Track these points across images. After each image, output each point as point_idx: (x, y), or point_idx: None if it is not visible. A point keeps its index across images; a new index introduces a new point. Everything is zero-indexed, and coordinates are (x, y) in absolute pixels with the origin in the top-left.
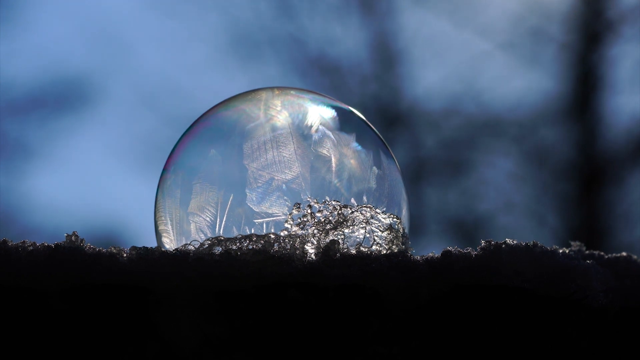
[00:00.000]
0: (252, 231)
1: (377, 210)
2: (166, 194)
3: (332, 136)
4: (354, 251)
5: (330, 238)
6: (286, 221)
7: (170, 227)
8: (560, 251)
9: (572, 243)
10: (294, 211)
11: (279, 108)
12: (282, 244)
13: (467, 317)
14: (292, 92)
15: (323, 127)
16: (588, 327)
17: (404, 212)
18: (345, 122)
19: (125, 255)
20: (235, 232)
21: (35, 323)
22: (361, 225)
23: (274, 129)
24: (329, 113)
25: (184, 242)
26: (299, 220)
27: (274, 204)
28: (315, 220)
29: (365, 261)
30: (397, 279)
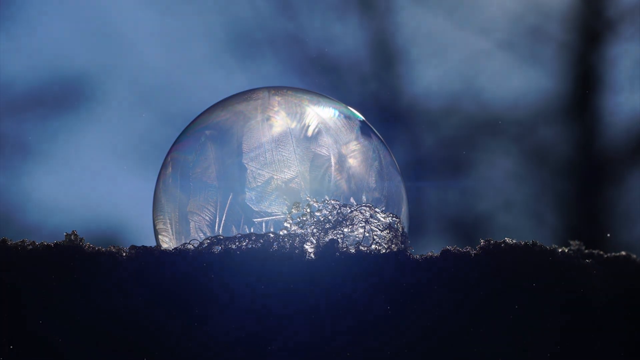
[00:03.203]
0: (252, 230)
1: (376, 210)
2: (165, 193)
3: (331, 135)
4: (353, 250)
5: (330, 237)
6: (285, 220)
7: (169, 226)
8: (560, 250)
9: (572, 242)
10: (293, 210)
11: (276, 108)
12: (282, 243)
13: None
14: (290, 92)
15: (322, 127)
16: (588, 325)
17: (403, 211)
18: (344, 121)
19: (124, 254)
20: (234, 231)
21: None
22: (360, 225)
23: (272, 128)
24: (328, 112)
25: (183, 241)
26: (298, 219)
27: (273, 203)
28: (315, 219)
29: None
30: None
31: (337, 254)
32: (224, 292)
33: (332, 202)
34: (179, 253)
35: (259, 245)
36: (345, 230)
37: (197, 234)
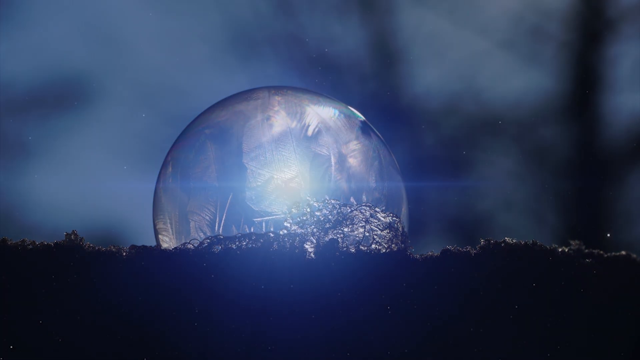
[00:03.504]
0: (252, 230)
1: (377, 209)
2: (165, 193)
3: (331, 135)
4: (353, 250)
5: (330, 237)
6: (286, 220)
7: (169, 225)
8: (560, 250)
9: (572, 242)
10: (293, 210)
11: (276, 108)
12: (282, 242)
13: None
14: (290, 91)
15: (322, 126)
16: (588, 325)
17: (403, 211)
18: (344, 120)
19: (124, 253)
20: (234, 231)
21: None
22: (360, 224)
23: (273, 128)
24: (328, 112)
25: (183, 241)
26: (298, 219)
27: (273, 202)
28: (315, 219)
29: None
30: None
31: (337, 253)
32: (224, 291)
33: (332, 201)
34: (179, 253)
35: (259, 244)
36: (346, 229)
37: (197, 234)
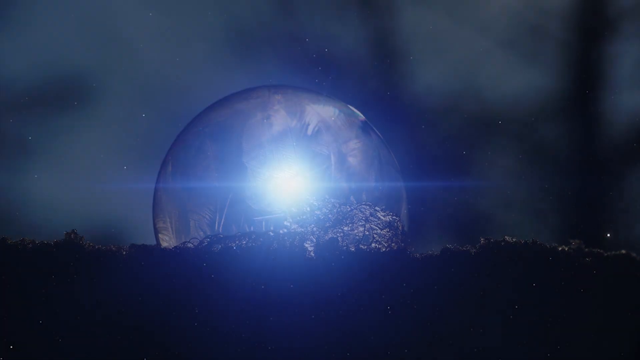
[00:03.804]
0: (252, 229)
1: (376, 208)
2: (165, 192)
3: (331, 134)
4: (353, 248)
5: (330, 236)
6: (285, 219)
7: (169, 224)
8: (560, 249)
9: (572, 241)
10: (293, 209)
11: (276, 107)
12: (282, 241)
13: None
14: (290, 90)
15: (322, 125)
16: (588, 324)
17: (403, 210)
18: (344, 119)
19: (124, 252)
20: (234, 230)
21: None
22: (360, 223)
23: (273, 127)
24: (328, 111)
25: (183, 240)
26: (298, 218)
27: (273, 201)
28: (315, 218)
29: None
30: None
31: (337, 252)
32: (224, 290)
33: (332, 200)
34: (179, 252)
35: (259, 243)
36: (345, 228)
37: (197, 233)
